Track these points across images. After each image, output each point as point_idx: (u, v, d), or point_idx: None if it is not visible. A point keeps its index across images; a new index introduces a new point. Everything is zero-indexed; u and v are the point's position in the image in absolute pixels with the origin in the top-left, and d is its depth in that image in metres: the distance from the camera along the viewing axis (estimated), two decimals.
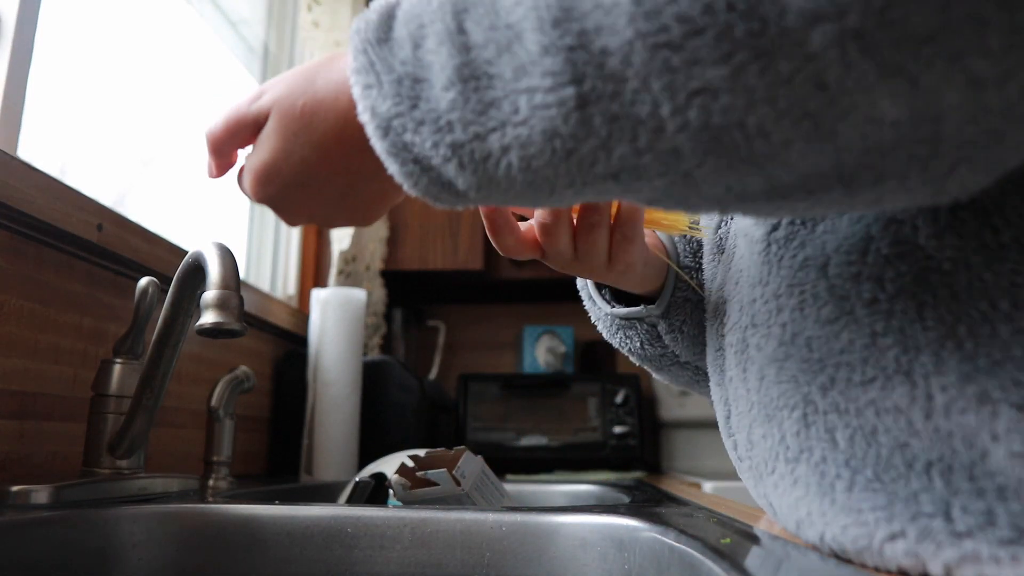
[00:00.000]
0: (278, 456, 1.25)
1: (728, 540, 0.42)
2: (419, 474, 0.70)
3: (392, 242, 1.67)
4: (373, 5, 0.36)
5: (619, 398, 1.58)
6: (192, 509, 0.60)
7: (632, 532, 0.52)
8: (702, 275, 0.59)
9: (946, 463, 0.32)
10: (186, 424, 0.95)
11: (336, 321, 1.22)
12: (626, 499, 0.78)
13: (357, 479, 0.78)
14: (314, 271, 1.53)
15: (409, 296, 1.91)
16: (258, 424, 1.22)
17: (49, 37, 0.87)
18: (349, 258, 1.49)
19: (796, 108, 0.25)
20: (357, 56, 0.34)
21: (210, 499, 0.66)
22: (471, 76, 0.30)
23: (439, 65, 0.31)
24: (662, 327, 0.60)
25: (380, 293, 1.63)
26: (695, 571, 0.39)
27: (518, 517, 0.56)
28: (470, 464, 0.72)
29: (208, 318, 0.56)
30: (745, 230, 0.47)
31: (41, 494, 0.58)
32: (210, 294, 0.56)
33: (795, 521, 0.40)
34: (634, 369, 1.70)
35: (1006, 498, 0.30)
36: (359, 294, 1.25)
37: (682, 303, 0.59)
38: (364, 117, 0.34)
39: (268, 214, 1.49)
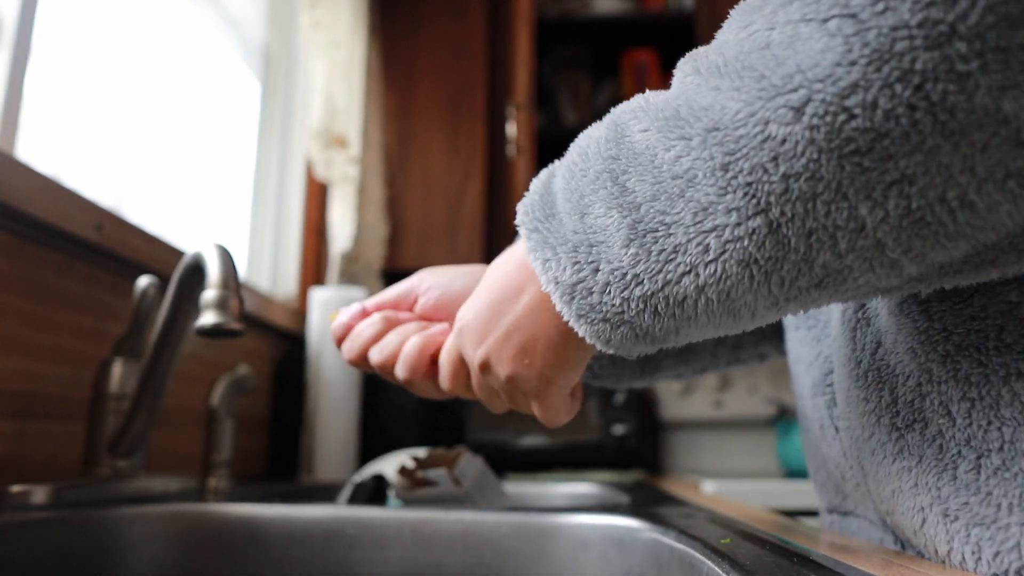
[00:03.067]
0: (278, 456, 1.25)
1: (728, 540, 0.41)
2: (419, 474, 0.70)
3: (392, 242, 1.67)
4: (532, 188, 0.38)
5: (619, 398, 1.58)
6: (192, 509, 0.60)
7: (632, 532, 0.52)
8: None
9: None
10: (186, 424, 0.95)
11: None
12: (626, 499, 0.78)
13: (357, 479, 0.78)
14: (314, 271, 1.53)
15: None
16: (258, 424, 1.22)
17: (48, 38, 0.87)
18: (349, 258, 1.49)
19: (998, 171, 0.25)
20: (531, 235, 0.36)
21: (210, 499, 0.66)
22: (648, 230, 0.31)
23: (613, 227, 0.32)
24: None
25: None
26: (695, 571, 0.39)
27: (518, 517, 0.56)
28: (470, 464, 0.72)
29: (208, 318, 0.55)
30: None
31: (41, 494, 0.57)
32: (210, 294, 0.56)
33: (891, 489, 0.40)
34: None
35: None
36: (359, 294, 1.25)
37: None
38: (549, 288, 0.35)
39: (268, 214, 1.49)
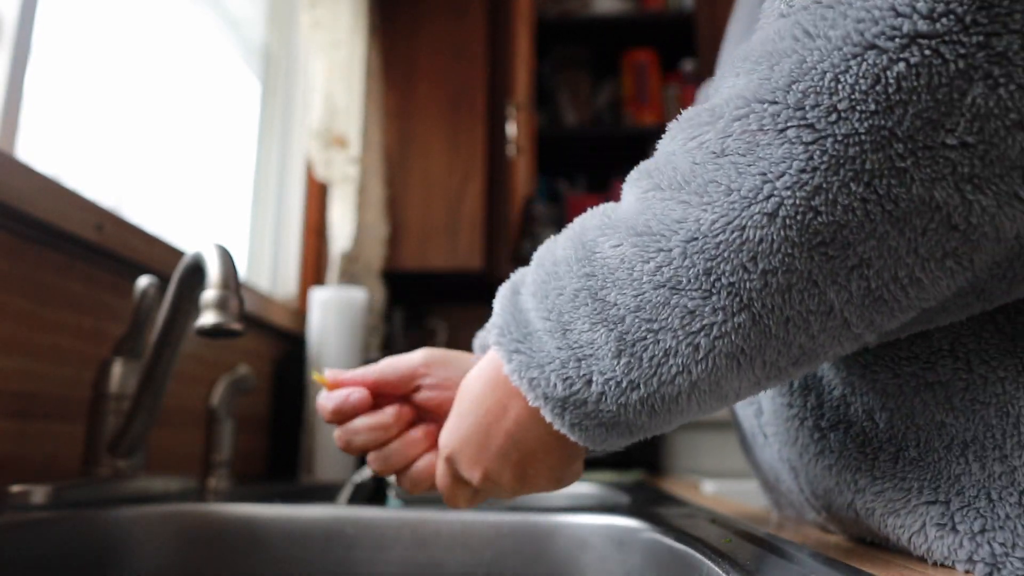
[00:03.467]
0: (278, 456, 1.25)
1: (728, 540, 0.42)
2: None
3: (392, 242, 1.67)
4: (498, 306, 0.40)
5: None
6: (192, 509, 0.60)
7: (632, 532, 0.52)
8: None
9: (980, 443, 0.35)
10: (186, 424, 0.95)
11: (336, 321, 1.22)
12: (626, 499, 0.78)
13: (357, 479, 0.78)
14: (314, 271, 1.53)
15: (409, 296, 1.91)
16: (258, 424, 1.22)
17: (48, 37, 0.87)
18: (349, 258, 1.49)
19: (937, 251, 0.29)
20: (512, 356, 0.37)
21: (210, 499, 0.66)
22: (636, 339, 0.33)
23: (601, 340, 0.34)
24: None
25: (380, 293, 1.63)
26: (695, 571, 0.39)
27: (518, 517, 0.56)
28: None
29: (208, 318, 0.55)
30: None
31: (41, 494, 0.57)
32: (210, 294, 0.56)
33: (824, 488, 0.42)
34: None
35: None
36: (359, 294, 1.25)
37: None
38: (538, 403, 0.37)
39: (268, 214, 1.49)
